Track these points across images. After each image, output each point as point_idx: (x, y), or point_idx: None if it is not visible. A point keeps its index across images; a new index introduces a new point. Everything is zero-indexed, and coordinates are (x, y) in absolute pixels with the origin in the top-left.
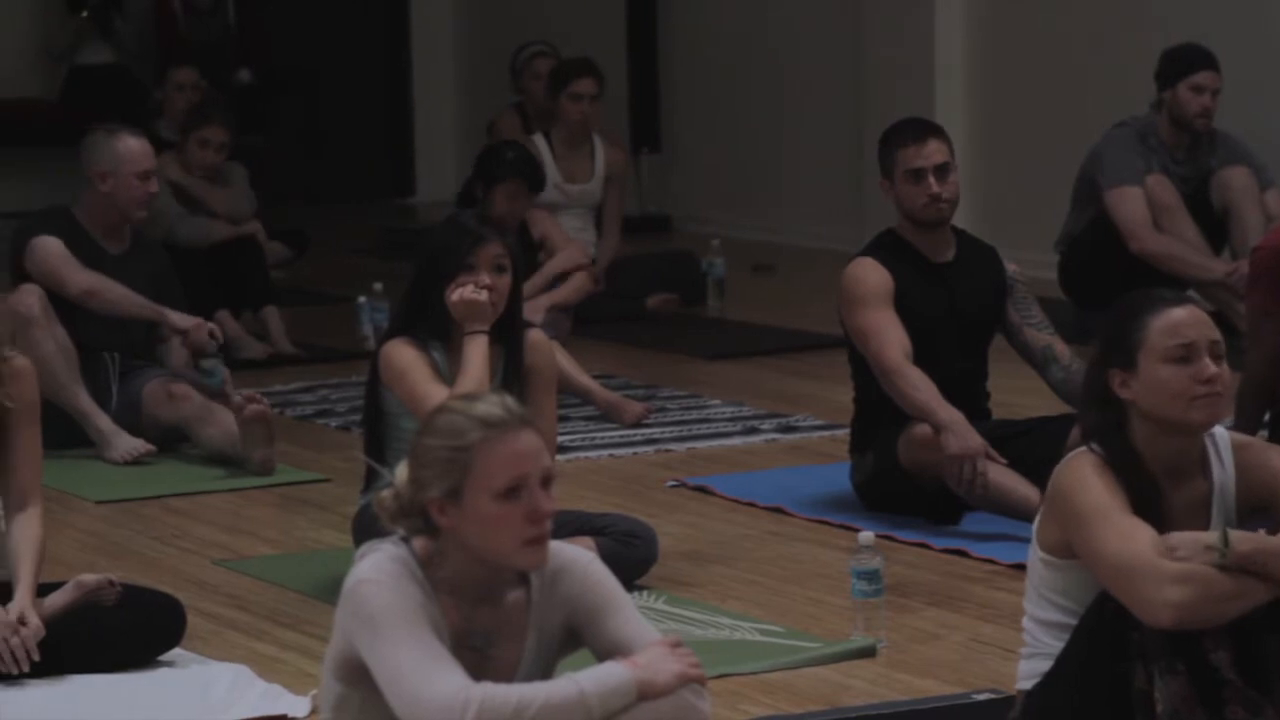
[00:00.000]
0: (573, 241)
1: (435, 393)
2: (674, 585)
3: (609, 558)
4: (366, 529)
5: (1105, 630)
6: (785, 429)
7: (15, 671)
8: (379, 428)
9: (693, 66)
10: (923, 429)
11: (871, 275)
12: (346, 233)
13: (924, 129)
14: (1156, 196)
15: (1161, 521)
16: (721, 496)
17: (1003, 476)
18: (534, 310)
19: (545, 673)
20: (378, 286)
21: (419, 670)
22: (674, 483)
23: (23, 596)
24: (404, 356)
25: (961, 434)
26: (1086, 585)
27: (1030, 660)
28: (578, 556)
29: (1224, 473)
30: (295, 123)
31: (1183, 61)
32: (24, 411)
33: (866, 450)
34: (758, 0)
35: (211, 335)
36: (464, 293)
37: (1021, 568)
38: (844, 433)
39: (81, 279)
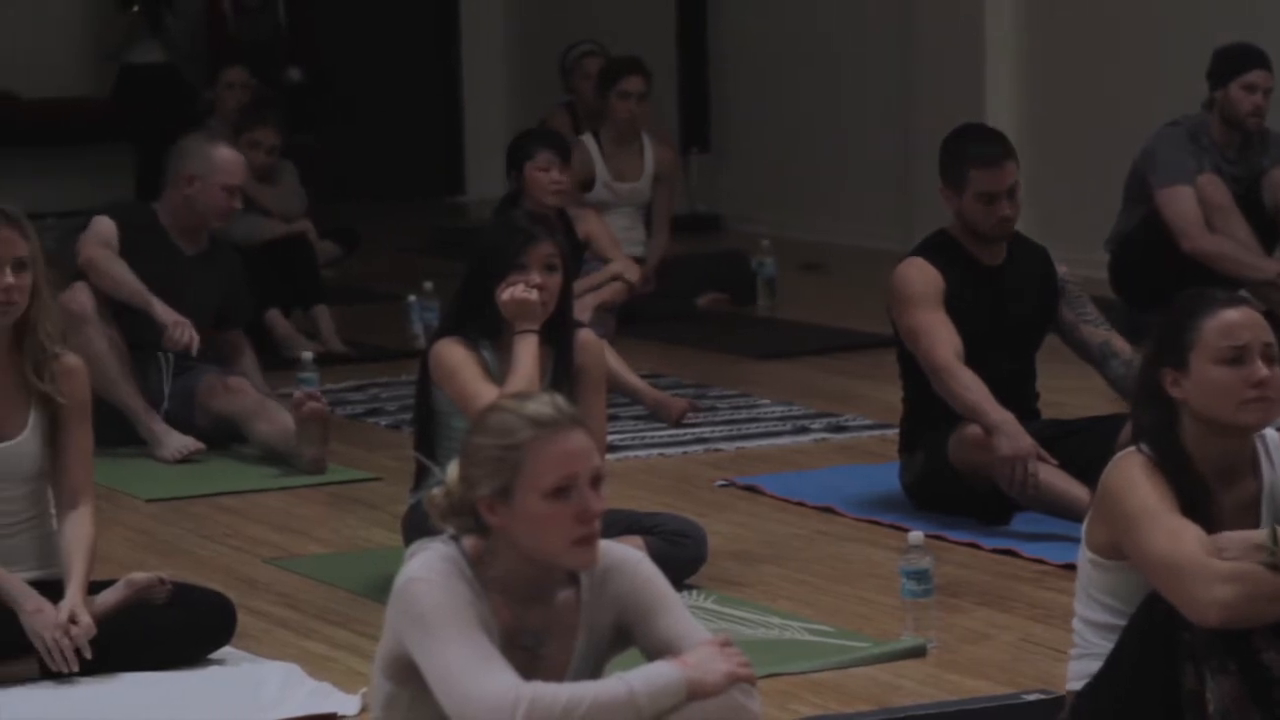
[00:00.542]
0: (624, 256)
1: (485, 392)
2: (723, 585)
3: (658, 557)
4: (417, 528)
5: (1155, 631)
6: (835, 428)
7: (66, 670)
8: (429, 427)
9: (742, 66)
10: (973, 429)
11: (923, 275)
12: (397, 231)
13: (999, 150)
14: (1208, 196)
15: (1210, 522)
16: (771, 496)
17: (1054, 477)
18: (580, 310)
19: (595, 672)
20: (428, 285)
21: (469, 669)
22: (723, 482)
23: (74, 595)
24: (454, 355)
25: (1013, 435)
26: (1135, 586)
27: (1080, 661)
28: (627, 555)
29: (1274, 473)
30: (345, 121)
31: (1235, 60)
32: (75, 409)
33: (916, 450)
34: None
35: (190, 341)
36: (514, 292)
37: (1072, 568)
38: (894, 432)
39: (89, 250)
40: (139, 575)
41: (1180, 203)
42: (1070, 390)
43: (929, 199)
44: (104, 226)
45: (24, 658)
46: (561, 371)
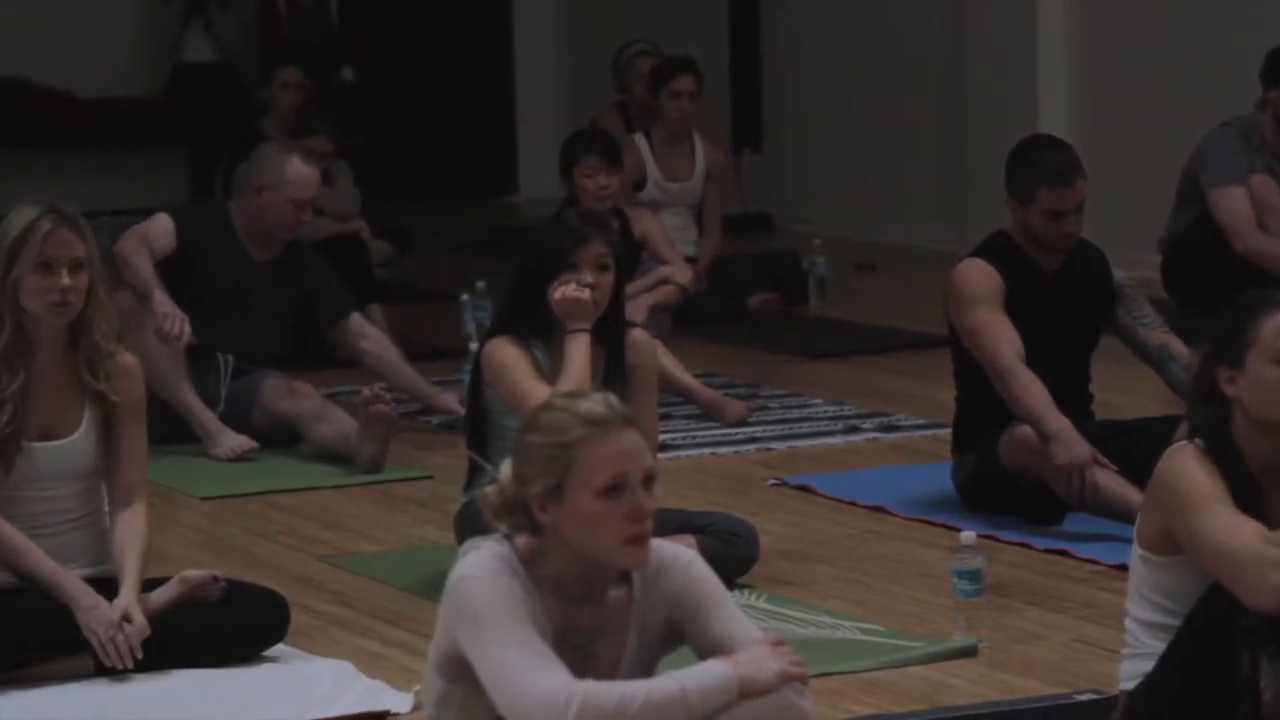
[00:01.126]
0: (678, 256)
1: (537, 391)
2: (775, 584)
3: (710, 556)
4: (470, 526)
5: (1212, 627)
6: (887, 428)
7: (120, 667)
8: (482, 425)
9: (794, 65)
10: (1023, 430)
11: (983, 276)
12: (450, 231)
13: (1070, 169)
14: (1260, 196)
15: (1261, 519)
16: (823, 495)
17: (1111, 482)
18: (635, 310)
19: (647, 670)
20: (480, 284)
21: (522, 667)
22: (775, 481)
23: (128, 592)
24: (506, 354)
25: (1070, 444)
26: (1186, 583)
27: (1132, 661)
28: (679, 554)
29: None
30: (398, 121)
31: None
32: (130, 408)
33: (968, 450)
34: None
35: (180, 333)
36: (567, 291)
37: (1124, 568)
38: (946, 432)
39: (123, 242)
40: (193, 573)
41: (1233, 203)
42: (1125, 391)
43: (982, 199)
44: (157, 225)
45: (79, 654)
46: (613, 371)
